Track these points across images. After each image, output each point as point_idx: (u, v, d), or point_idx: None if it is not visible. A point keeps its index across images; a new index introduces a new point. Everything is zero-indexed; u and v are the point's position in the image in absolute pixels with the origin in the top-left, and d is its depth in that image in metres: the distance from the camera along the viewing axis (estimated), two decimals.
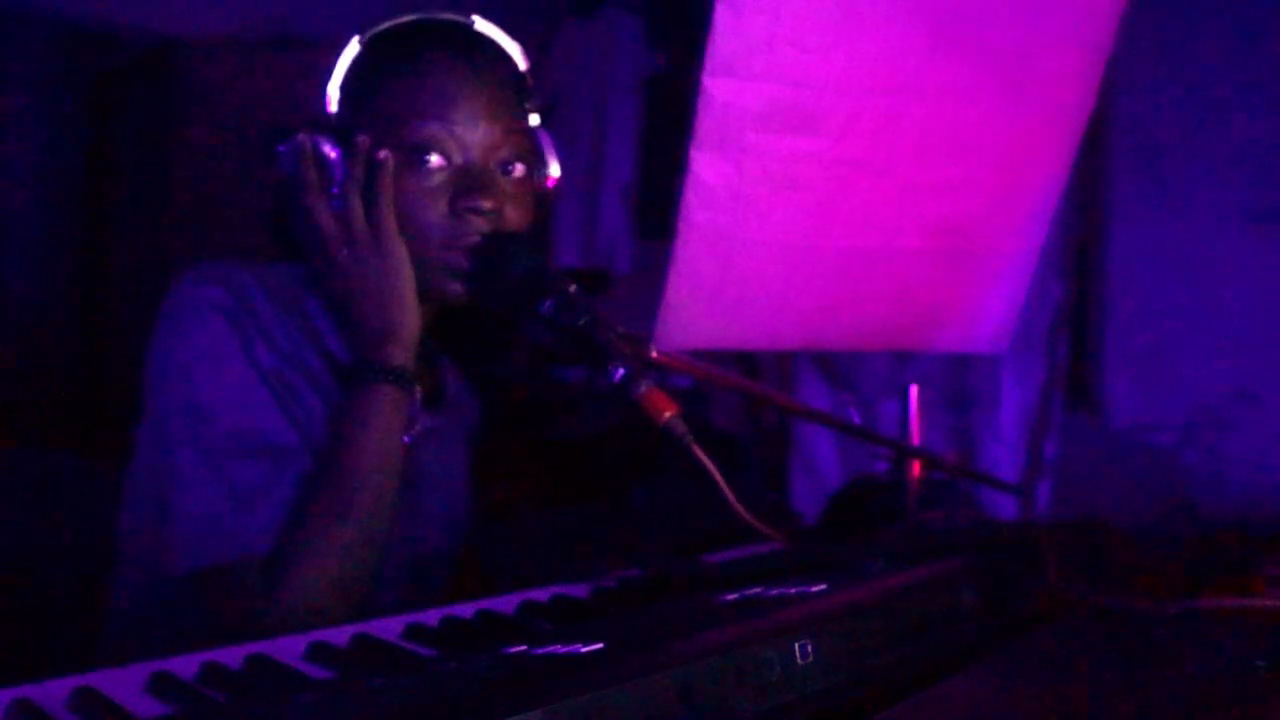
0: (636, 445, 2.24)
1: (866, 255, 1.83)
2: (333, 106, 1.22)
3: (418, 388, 1.20)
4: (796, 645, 0.71)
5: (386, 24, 1.24)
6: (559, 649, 0.73)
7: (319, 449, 1.15)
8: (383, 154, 1.16)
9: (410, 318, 1.18)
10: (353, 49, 1.23)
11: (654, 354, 1.34)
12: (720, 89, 1.56)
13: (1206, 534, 1.18)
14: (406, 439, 1.19)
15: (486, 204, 1.19)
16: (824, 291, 1.82)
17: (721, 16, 1.51)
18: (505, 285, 1.18)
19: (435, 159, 1.19)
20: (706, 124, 1.57)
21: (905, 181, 1.80)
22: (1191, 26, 2.52)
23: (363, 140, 1.17)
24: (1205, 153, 2.54)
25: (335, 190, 1.18)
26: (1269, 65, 2.50)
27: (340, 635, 0.90)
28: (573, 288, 1.18)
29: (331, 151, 1.18)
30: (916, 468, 1.70)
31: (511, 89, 1.25)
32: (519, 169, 1.24)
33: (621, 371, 1.12)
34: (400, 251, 1.18)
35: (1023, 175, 1.95)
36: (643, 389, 1.12)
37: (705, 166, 1.59)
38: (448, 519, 1.34)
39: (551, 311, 1.16)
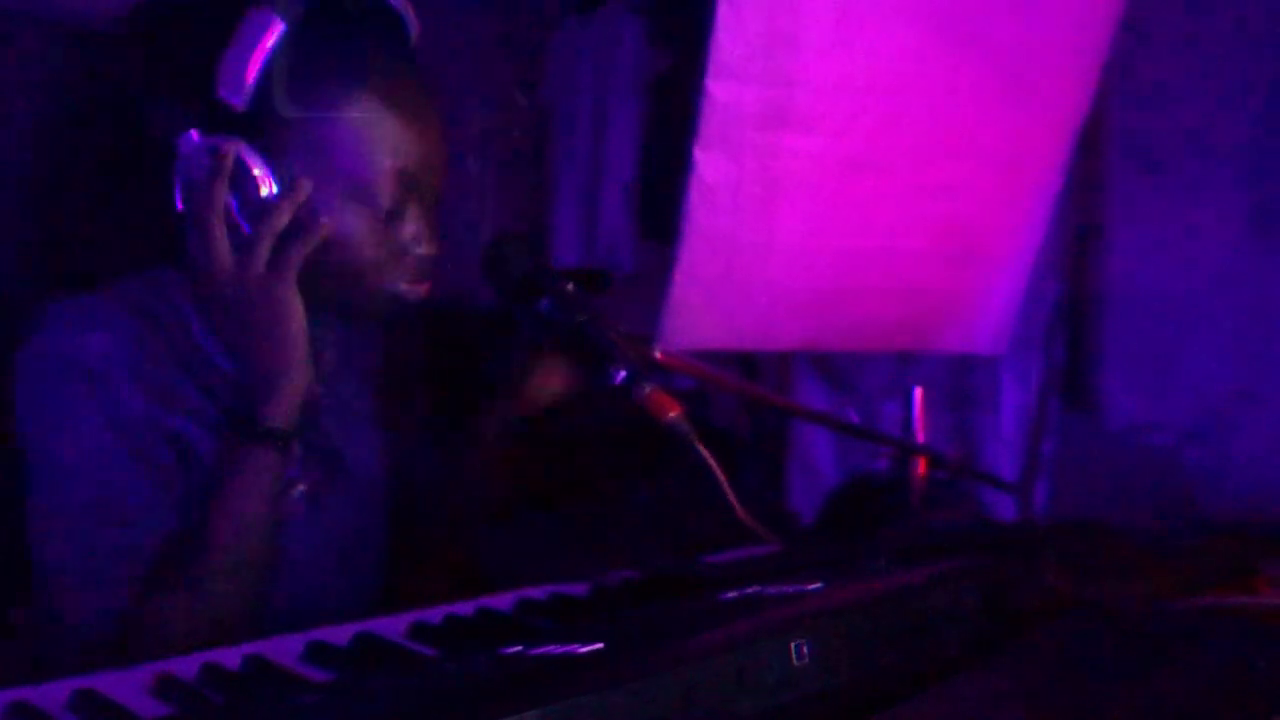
0: (637, 446, 2.24)
1: (868, 256, 1.83)
2: (242, 99, 1.08)
3: (296, 446, 1.13)
4: (796, 646, 0.71)
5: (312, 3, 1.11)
6: (558, 649, 0.73)
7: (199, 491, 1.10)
8: (324, 223, 1.09)
9: (297, 373, 1.10)
10: (275, 30, 1.08)
11: (658, 355, 1.33)
12: (722, 91, 1.56)
13: (1208, 534, 1.18)
14: (301, 490, 1.15)
15: (432, 250, 1.16)
16: (825, 292, 1.82)
17: (724, 18, 1.50)
18: (503, 285, 1.18)
19: (385, 204, 1.14)
20: (709, 125, 1.57)
21: (906, 181, 1.80)
22: (1191, 27, 2.52)
23: (304, 184, 1.09)
24: (1205, 153, 2.54)
25: (246, 219, 1.08)
26: (1269, 65, 2.49)
27: (341, 635, 0.90)
28: (570, 286, 1.17)
29: (257, 169, 1.08)
30: (922, 465, 1.69)
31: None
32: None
33: (623, 374, 1.12)
34: (294, 306, 1.09)
35: (1021, 175, 1.95)
36: (647, 390, 1.12)
37: (708, 167, 1.59)
38: (372, 478, 1.31)
39: (549, 310, 1.15)
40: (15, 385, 1.09)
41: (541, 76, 3.36)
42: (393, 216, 1.15)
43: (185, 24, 1.15)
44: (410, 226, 1.16)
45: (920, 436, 1.80)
